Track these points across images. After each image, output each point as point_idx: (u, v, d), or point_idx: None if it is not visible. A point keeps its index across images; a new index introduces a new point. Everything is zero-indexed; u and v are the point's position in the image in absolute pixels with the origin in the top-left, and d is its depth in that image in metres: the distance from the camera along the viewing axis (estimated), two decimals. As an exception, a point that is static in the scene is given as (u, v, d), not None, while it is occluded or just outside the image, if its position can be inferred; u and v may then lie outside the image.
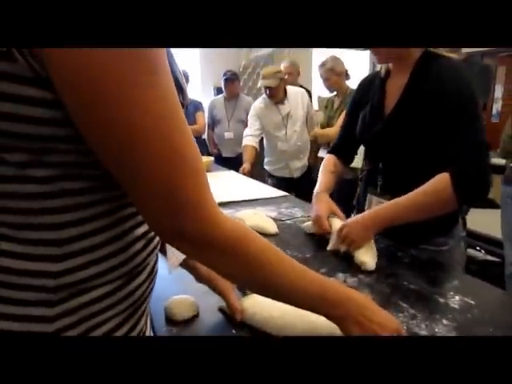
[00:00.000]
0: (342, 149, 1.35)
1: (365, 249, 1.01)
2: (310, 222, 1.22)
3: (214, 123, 3.47)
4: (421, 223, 0.98)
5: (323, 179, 1.29)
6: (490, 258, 2.76)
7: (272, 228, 1.24)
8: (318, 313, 0.56)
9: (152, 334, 0.78)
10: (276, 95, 2.65)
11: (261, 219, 1.27)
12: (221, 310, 0.79)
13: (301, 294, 0.53)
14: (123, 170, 0.38)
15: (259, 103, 2.80)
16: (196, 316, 0.78)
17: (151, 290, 0.50)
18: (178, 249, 0.45)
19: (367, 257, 0.99)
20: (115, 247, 0.42)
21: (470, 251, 2.53)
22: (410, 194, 0.98)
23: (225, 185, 2.03)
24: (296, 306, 0.55)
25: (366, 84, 1.25)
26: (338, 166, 1.34)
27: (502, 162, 2.60)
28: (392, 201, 1.02)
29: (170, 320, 0.76)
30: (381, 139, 1.12)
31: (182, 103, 0.39)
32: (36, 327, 0.39)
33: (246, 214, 1.31)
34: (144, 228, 0.47)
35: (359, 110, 1.22)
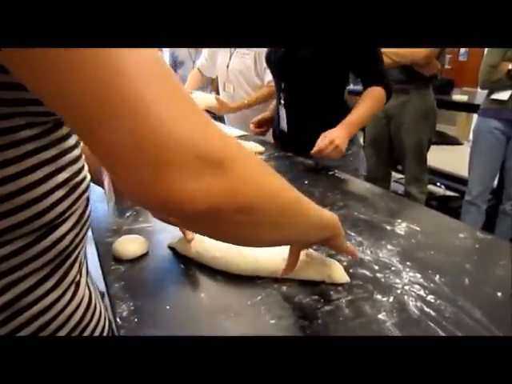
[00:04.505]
0: None
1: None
2: None
3: (176, 65, 3.32)
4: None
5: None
6: (449, 193, 2.87)
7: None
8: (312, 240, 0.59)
9: (101, 273, 0.78)
10: None
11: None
12: (170, 247, 0.79)
13: (306, 235, 0.54)
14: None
15: None
16: (145, 254, 0.78)
17: (83, 237, 0.46)
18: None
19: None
20: (29, 197, 0.37)
21: (431, 187, 2.62)
22: (364, 102, 1.29)
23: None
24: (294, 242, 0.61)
25: None
26: None
27: (464, 98, 2.62)
28: (353, 110, 1.28)
29: (117, 259, 0.76)
30: (282, 62, 1.40)
31: None
32: None
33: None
34: (67, 173, 0.41)
35: None
